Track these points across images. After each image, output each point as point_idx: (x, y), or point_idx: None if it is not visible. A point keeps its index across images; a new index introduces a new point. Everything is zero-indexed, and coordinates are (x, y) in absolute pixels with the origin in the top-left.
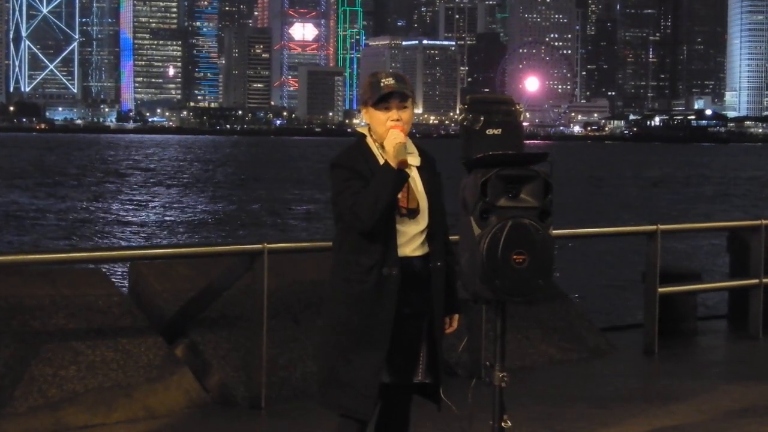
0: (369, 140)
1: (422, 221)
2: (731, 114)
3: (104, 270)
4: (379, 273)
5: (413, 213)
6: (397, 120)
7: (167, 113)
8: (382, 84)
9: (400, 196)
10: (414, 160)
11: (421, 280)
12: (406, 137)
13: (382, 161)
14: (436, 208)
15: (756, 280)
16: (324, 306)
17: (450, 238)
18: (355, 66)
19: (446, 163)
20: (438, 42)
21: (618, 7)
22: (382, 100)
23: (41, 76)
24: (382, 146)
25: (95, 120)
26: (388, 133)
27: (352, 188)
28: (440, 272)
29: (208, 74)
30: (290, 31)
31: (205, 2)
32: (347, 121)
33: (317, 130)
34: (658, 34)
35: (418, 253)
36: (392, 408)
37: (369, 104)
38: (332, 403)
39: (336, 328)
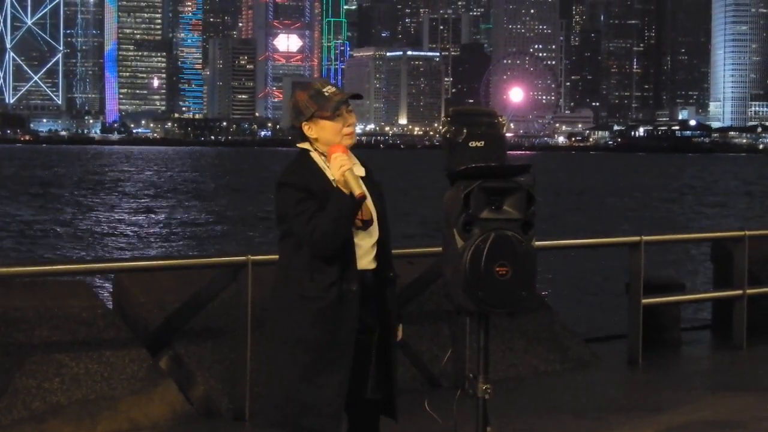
0: (314, 155)
1: (375, 233)
2: (715, 124)
3: (88, 282)
4: (339, 289)
5: (367, 224)
6: (350, 125)
7: (152, 124)
8: (326, 93)
9: None
10: (359, 170)
11: (372, 294)
12: (347, 150)
13: (330, 175)
14: (384, 217)
15: (740, 291)
16: (274, 323)
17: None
18: (339, 77)
19: (430, 175)
20: (422, 53)
21: (602, 17)
22: (337, 108)
23: (26, 88)
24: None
25: (80, 131)
26: (331, 158)
27: (307, 212)
28: (393, 283)
29: (193, 85)
30: (275, 42)
31: (189, 9)
32: None
33: None
34: (642, 45)
35: (371, 266)
36: (358, 427)
37: (319, 116)
38: (293, 424)
39: (294, 346)
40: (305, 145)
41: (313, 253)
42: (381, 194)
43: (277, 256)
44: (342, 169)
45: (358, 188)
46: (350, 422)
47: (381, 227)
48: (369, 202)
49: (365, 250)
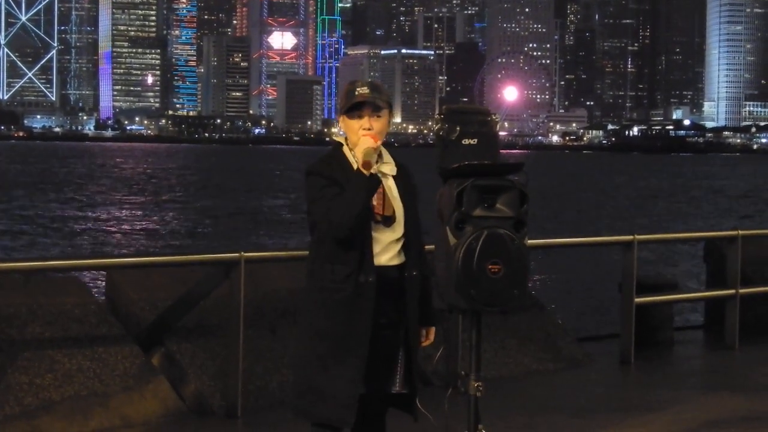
0: (345, 149)
1: (398, 229)
2: (709, 124)
3: (80, 278)
4: (355, 281)
5: (389, 221)
6: (369, 129)
7: (145, 121)
8: (356, 93)
9: (375, 203)
10: (389, 169)
11: (396, 289)
12: (380, 146)
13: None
14: (412, 217)
15: (732, 291)
16: (299, 315)
17: (425, 248)
18: (333, 75)
19: (423, 173)
20: (417, 51)
21: (596, 17)
22: (355, 109)
23: (20, 84)
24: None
25: (73, 128)
26: (359, 141)
27: (326, 196)
28: (415, 282)
29: (187, 82)
30: (269, 39)
31: (183, 3)
32: (326, 129)
33: (296, 138)
34: (636, 44)
35: (394, 262)
36: (368, 419)
37: (343, 111)
38: (309, 413)
39: (313, 336)
40: (341, 139)
41: (331, 236)
42: (413, 194)
43: (269, 254)
44: (364, 145)
45: (370, 157)
46: (358, 414)
47: (408, 225)
48: (395, 199)
49: (384, 246)
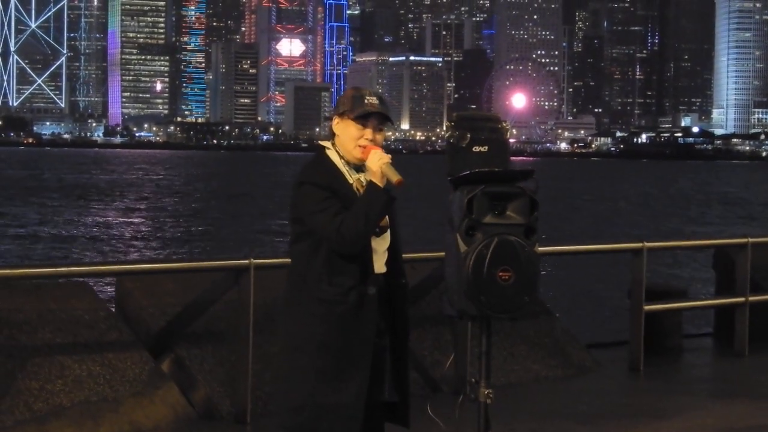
0: (332, 154)
1: (388, 238)
2: (718, 131)
3: (90, 284)
4: (358, 293)
5: (382, 230)
6: (371, 140)
7: (154, 128)
8: (366, 101)
9: None
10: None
11: (385, 297)
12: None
13: (349, 177)
14: (395, 224)
15: (742, 298)
16: (289, 327)
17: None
18: (341, 82)
19: (432, 179)
20: (425, 58)
21: (605, 24)
22: (363, 117)
23: (29, 91)
24: (347, 162)
25: (82, 135)
26: (369, 154)
27: (332, 208)
28: (404, 289)
29: (196, 89)
30: (277, 46)
31: (192, 5)
32: None
33: (303, 145)
34: (645, 51)
35: (383, 270)
36: (366, 429)
37: (347, 116)
38: (311, 428)
39: (313, 350)
40: (325, 143)
41: (338, 250)
42: (394, 200)
43: (279, 260)
44: (381, 161)
45: (396, 175)
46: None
47: (393, 233)
48: None
49: (380, 255)
